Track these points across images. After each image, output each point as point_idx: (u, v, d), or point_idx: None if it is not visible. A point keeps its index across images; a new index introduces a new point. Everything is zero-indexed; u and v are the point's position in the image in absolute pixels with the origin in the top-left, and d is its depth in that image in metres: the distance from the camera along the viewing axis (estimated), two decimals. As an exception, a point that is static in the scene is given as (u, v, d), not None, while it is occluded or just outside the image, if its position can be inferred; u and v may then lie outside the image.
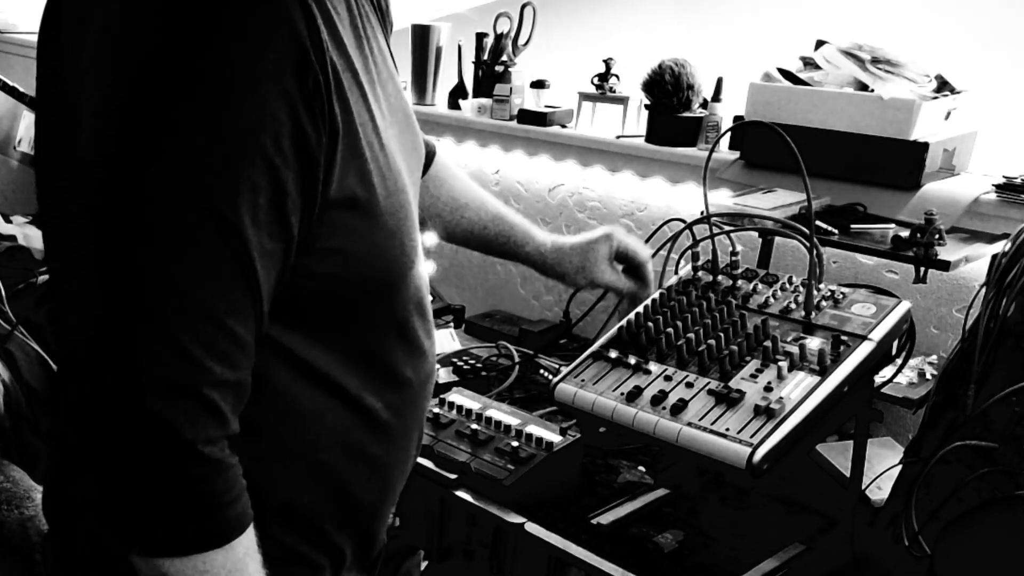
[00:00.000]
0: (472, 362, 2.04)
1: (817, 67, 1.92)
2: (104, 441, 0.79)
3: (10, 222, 3.13)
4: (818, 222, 1.61)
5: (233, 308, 0.80)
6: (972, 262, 1.61)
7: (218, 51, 0.75)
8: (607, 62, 2.31)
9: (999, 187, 1.72)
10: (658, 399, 1.32)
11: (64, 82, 0.88)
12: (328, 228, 0.86)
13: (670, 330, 1.43)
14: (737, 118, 2.07)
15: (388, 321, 1.01)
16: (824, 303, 1.42)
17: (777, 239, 1.84)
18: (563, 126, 2.42)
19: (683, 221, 1.62)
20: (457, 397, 1.73)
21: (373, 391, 1.00)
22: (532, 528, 1.45)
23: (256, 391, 0.86)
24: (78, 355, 0.80)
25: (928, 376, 1.71)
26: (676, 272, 1.61)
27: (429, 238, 2.75)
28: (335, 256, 0.88)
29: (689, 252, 1.57)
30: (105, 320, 0.78)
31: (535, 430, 1.60)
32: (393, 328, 1.02)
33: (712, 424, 1.26)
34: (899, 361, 1.44)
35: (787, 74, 1.93)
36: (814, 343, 1.34)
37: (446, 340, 2.18)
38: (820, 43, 1.95)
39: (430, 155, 1.48)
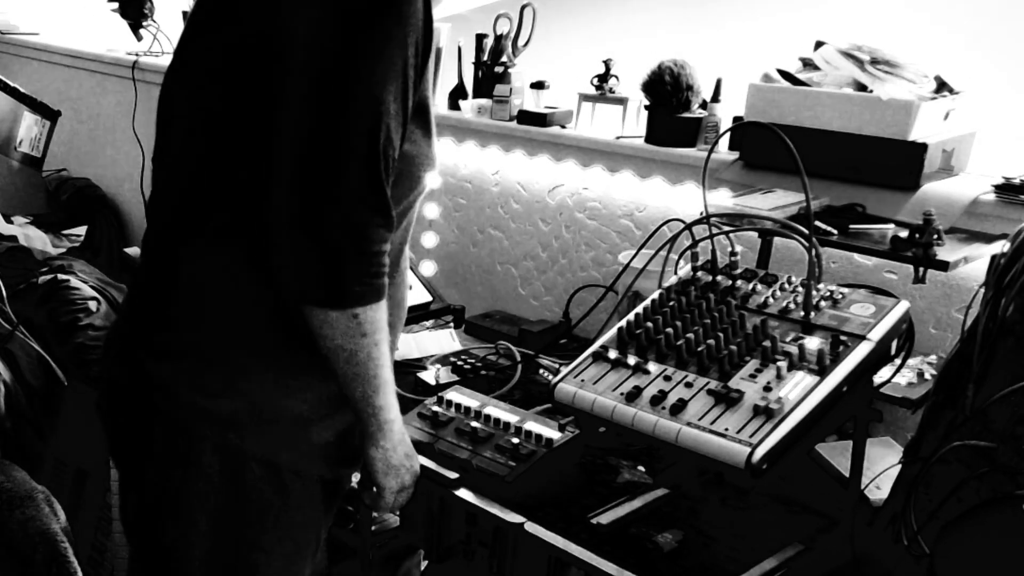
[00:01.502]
0: (472, 362, 2.04)
1: (816, 68, 1.92)
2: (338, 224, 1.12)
3: (11, 222, 3.14)
4: (817, 222, 1.61)
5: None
6: (971, 262, 1.61)
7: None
8: (607, 63, 2.32)
9: (998, 187, 1.72)
10: (657, 399, 1.33)
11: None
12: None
13: (669, 330, 1.43)
14: (736, 119, 2.07)
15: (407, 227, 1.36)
16: (823, 303, 1.42)
17: (776, 239, 1.84)
18: (563, 127, 2.42)
19: (682, 221, 1.62)
20: (456, 395, 1.73)
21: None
22: (532, 528, 1.46)
23: None
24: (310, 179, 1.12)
25: (927, 376, 1.71)
26: (675, 272, 1.61)
27: (429, 239, 2.75)
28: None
29: (688, 252, 1.58)
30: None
31: (535, 427, 1.60)
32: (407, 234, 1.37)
33: (711, 424, 1.26)
34: (898, 361, 1.45)
35: (786, 75, 1.94)
36: (813, 343, 1.35)
37: (446, 340, 2.18)
38: (819, 44, 1.95)
39: None
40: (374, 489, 1.35)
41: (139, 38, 3.47)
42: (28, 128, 2.79)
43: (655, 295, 1.54)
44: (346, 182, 1.12)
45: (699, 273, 1.56)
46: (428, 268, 2.78)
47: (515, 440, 1.57)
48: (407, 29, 1.17)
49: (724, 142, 2.06)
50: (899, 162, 1.76)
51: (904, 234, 1.60)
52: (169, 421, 1.25)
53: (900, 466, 1.44)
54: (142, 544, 1.36)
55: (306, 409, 1.28)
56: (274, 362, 1.26)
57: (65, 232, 3.36)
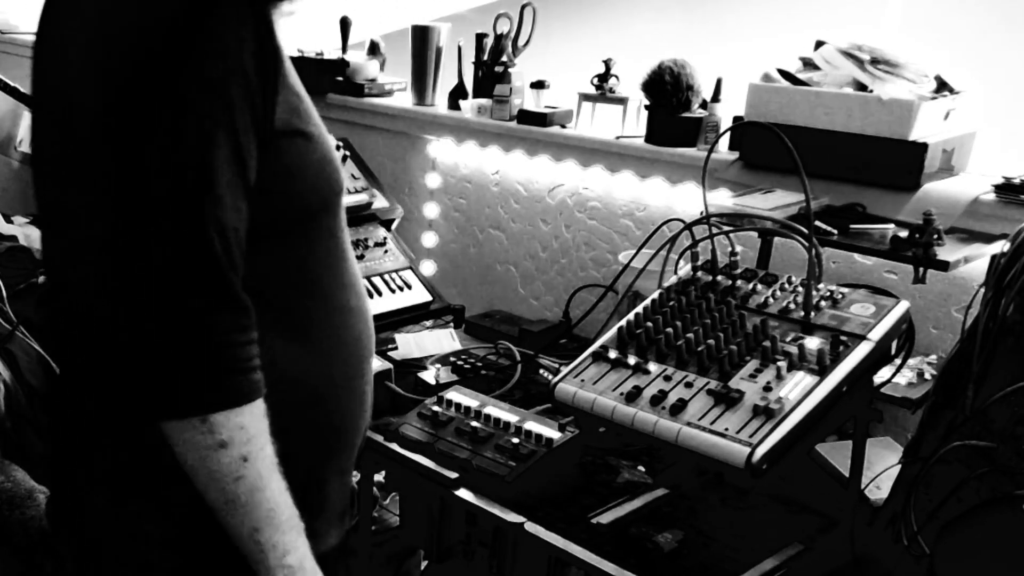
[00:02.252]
0: (472, 362, 2.04)
1: (816, 67, 1.92)
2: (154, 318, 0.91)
3: (11, 222, 3.13)
4: (817, 222, 1.61)
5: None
6: (971, 262, 1.61)
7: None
8: (607, 62, 2.32)
9: (998, 187, 1.72)
10: (657, 399, 1.33)
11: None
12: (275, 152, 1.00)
13: (669, 330, 1.43)
14: (736, 118, 2.07)
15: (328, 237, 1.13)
16: (823, 303, 1.42)
17: (776, 239, 1.84)
18: (563, 126, 2.42)
19: (683, 221, 1.62)
20: (455, 395, 1.73)
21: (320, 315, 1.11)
22: (532, 528, 1.46)
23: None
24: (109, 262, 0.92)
25: (927, 376, 1.71)
26: (675, 272, 1.61)
27: (429, 239, 2.75)
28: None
29: (688, 252, 1.58)
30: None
31: (535, 427, 1.60)
32: (333, 244, 1.14)
33: (711, 424, 1.26)
34: (898, 361, 1.45)
35: (786, 74, 1.94)
36: (813, 343, 1.35)
37: (446, 340, 2.18)
38: (819, 43, 1.95)
39: None
40: None
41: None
42: (28, 128, 2.79)
43: (655, 295, 1.54)
44: (161, 272, 0.91)
45: (699, 273, 1.56)
46: (428, 268, 2.78)
47: (515, 440, 1.57)
48: (225, 62, 0.93)
49: (724, 142, 2.06)
50: (899, 162, 1.76)
51: (904, 234, 1.60)
52: None
53: (900, 466, 1.44)
54: None
55: None
56: None
57: (65, 232, 3.35)
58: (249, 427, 0.95)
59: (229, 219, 0.94)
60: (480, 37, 2.53)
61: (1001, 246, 1.42)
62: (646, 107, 2.22)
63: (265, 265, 1.04)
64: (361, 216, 2.21)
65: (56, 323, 1.03)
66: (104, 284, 0.93)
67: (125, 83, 0.92)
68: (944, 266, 1.54)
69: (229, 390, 0.94)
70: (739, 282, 1.51)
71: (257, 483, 0.96)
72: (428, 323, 2.24)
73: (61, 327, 1.04)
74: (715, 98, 2.17)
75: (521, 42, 2.48)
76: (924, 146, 1.74)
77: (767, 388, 1.29)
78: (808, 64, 1.95)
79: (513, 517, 1.48)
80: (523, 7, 2.44)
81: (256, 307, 0.99)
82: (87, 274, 0.95)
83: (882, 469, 1.54)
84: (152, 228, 0.91)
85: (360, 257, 2.13)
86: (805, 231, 1.43)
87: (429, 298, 2.18)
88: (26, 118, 2.77)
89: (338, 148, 2.28)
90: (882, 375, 1.51)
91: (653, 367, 1.39)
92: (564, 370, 1.46)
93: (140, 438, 0.99)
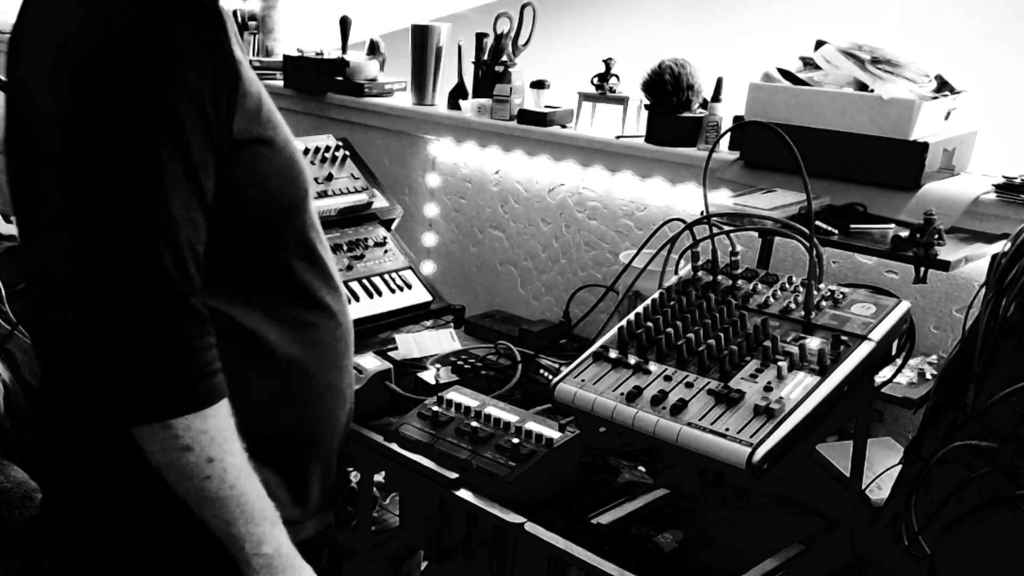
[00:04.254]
0: (472, 362, 2.04)
1: (817, 67, 1.92)
2: (118, 321, 0.95)
3: (10, 222, 3.13)
4: (818, 222, 1.61)
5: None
6: (972, 262, 1.61)
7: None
8: (607, 62, 2.31)
9: (999, 187, 1.72)
10: (658, 399, 1.32)
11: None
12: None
13: (670, 330, 1.43)
14: (737, 118, 2.07)
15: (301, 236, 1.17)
16: (824, 303, 1.42)
17: (777, 239, 1.84)
18: (563, 126, 2.42)
19: (683, 221, 1.62)
20: (455, 395, 1.73)
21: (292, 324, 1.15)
22: (532, 528, 1.45)
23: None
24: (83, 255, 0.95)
25: (928, 376, 1.71)
26: (676, 272, 1.61)
27: (429, 238, 2.75)
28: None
29: (689, 252, 1.57)
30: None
31: (535, 427, 1.60)
32: (306, 243, 1.18)
33: (712, 424, 1.26)
34: (899, 361, 1.44)
35: (787, 74, 1.94)
36: (814, 343, 1.34)
37: (446, 340, 2.17)
38: (820, 43, 1.95)
39: None
40: None
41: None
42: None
43: (656, 295, 1.54)
44: (117, 285, 0.95)
45: (700, 273, 1.55)
46: (428, 268, 2.78)
47: (515, 440, 1.57)
48: (180, 82, 0.96)
49: (725, 142, 2.06)
50: (900, 162, 1.76)
51: (905, 234, 1.60)
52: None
53: (901, 466, 1.44)
54: None
55: None
56: None
57: (65, 232, 3.35)
58: (211, 429, 0.99)
59: (183, 233, 0.97)
60: (480, 37, 2.53)
61: (1002, 246, 1.42)
62: (646, 107, 2.21)
63: (246, 266, 1.10)
64: (361, 216, 2.21)
65: (31, 323, 1.06)
66: (67, 293, 0.97)
67: (85, 98, 0.95)
68: (945, 266, 1.54)
69: (188, 396, 0.98)
70: (740, 282, 1.51)
71: (225, 480, 1.00)
72: (428, 323, 2.23)
73: (35, 328, 1.07)
74: (715, 98, 2.17)
75: (521, 42, 2.48)
76: (925, 146, 1.74)
77: (768, 388, 1.28)
78: (809, 64, 1.95)
79: (513, 517, 1.48)
80: (523, 7, 2.43)
81: (242, 305, 1.06)
82: (54, 280, 0.98)
83: (883, 469, 1.54)
84: (106, 242, 0.95)
85: (360, 257, 2.13)
86: (806, 231, 1.43)
87: (429, 298, 2.18)
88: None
89: (338, 148, 2.28)
90: (883, 375, 1.51)
91: (654, 367, 1.39)
92: (564, 370, 1.46)
93: (116, 435, 1.03)
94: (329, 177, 2.20)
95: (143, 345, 0.96)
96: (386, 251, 2.19)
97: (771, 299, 1.46)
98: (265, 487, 1.06)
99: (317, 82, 2.89)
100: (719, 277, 1.53)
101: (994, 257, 1.45)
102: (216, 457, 0.99)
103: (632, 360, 1.41)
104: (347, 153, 2.29)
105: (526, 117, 2.43)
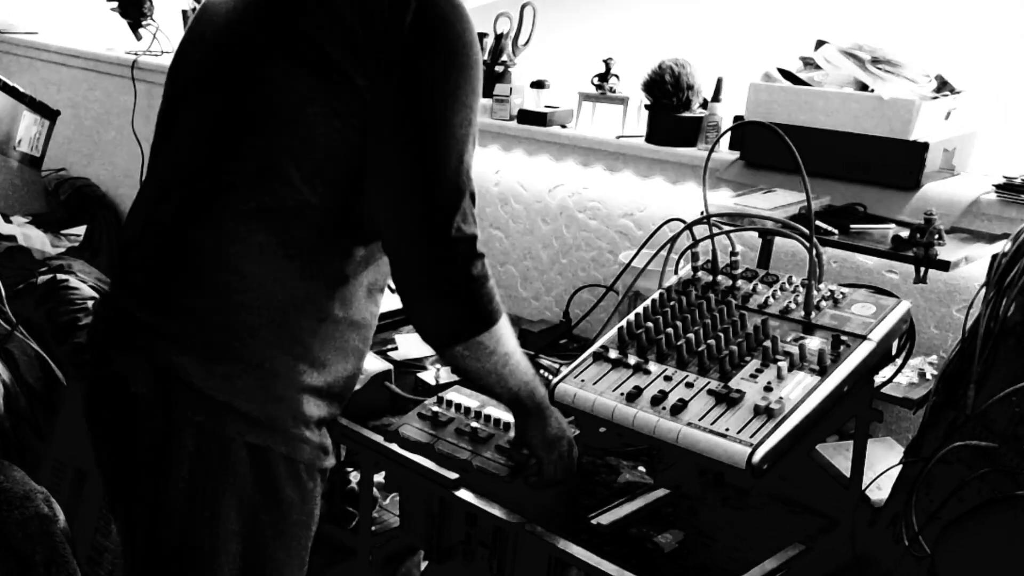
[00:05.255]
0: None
1: (817, 67, 1.92)
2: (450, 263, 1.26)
3: (10, 222, 3.13)
4: (818, 222, 1.61)
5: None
6: (972, 262, 1.61)
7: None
8: (607, 62, 2.31)
9: (999, 187, 1.72)
10: (658, 399, 1.32)
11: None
12: None
13: (670, 330, 1.43)
14: (737, 118, 2.07)
15: None
16: (824, 303, 1.42)
17: (777, 239, 1.84)
18: (563, 126, 2.42)
19: (683, 221, 1.61)
20: (456, 395, 1.73)
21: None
22: (532, 528, 1.45)
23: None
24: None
25: (928, 376, 1.70)
26: (676, 272, 1.61)
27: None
28: None
29: (689, 252, 1.57)
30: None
31: (535, 430, 1.60)
32: None
33: (712, 424, 1.26)
34: (899, 361, 1.44)
35: (787, 74, 1.93)
36: (814, 343, 1.34)
37: (446, 340, 2.17)
38: (820, 43, 1.95)
39: None
40: (532, 462, 1.49)
41: (139, 37, 3.46)
42: (27, 127, 2.78)
43: (656, 295, 1.53)
44: (458, 222, 1.24)
45: (700, 273, 1.55)
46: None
47: (515, 440, 1.57)
48: (477, 73, 1.29)
49: (725, 142, 2.06)
50: (900, 162, 1.76)
51: (905, 234, 1.60)
52: (195, 422, 1.26)
53: (901, 466, 1.44)
54: (152, 546, 1.33)
55: (317, 410, 1.34)
56: (304, 355, 1.31)
57: (64, 232, 3.35)
58: (503, 335, 1.34)
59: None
60: (480, 36, 2.52)
61: (1002, 246, 1.42)
62: (646, 107, 2.21)
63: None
64: (361, 216, 2.20)
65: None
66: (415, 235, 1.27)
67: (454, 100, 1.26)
68: (945, 266, 1.54)
69: (490, 316, 1.31)
70: (740, 282, 1.51)
71: (518, 361, 1.39)
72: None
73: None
74: (716, 97, 2.17)
75: (521, 41, 2.48)
76: (925, 146, 1.74)
77: (768, 388, 1.28)
78: (809, 63, 1.95)
79: (513, 517, 1.48)
80: (523, 6, 2.43)
81: (376, 262, 1.40)
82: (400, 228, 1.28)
83: (883, 469, 1.54)
84: (448, 187, 1.25)
85: (360, 257, 2.12)
86: (806, 231, 1.43)
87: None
88: (26, 118, 2.76)
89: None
90: (883, 375, 1.50)
91: (654, 367, 1.39)
92: (564, 370, 1.46)
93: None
94: (329, 177, 2.19)
95: (466, 277, 1.26)
96: (386, 251, 2.19)
97: (771, 299, 1.46)
98: (326, 423, 1.38)
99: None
100: (719, 277, 1.53)
101: (994, 257, 1.45)
102: (509, 349, 1.36)
103: (632, 360, 1.41)
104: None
105: (526, 117, 2.43)
